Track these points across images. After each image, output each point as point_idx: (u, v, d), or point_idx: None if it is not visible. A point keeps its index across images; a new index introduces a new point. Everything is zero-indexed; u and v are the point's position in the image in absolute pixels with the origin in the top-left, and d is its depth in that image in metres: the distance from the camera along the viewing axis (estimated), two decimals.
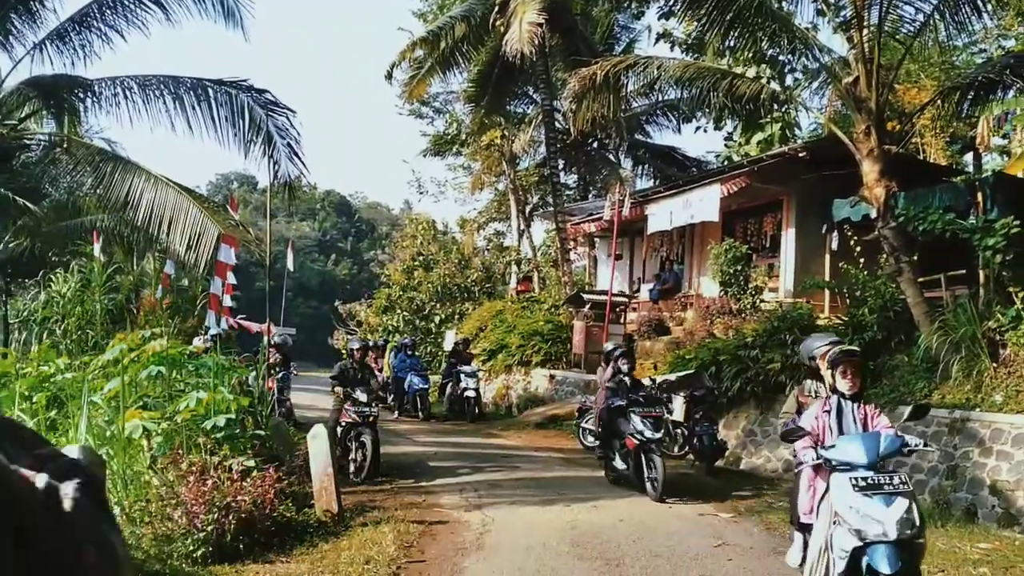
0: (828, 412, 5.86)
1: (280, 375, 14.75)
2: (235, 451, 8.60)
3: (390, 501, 9.66)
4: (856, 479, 5.18)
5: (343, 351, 24.80)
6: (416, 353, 21.49)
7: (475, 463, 12.60)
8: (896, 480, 5.25)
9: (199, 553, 6.79)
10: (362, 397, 11.55)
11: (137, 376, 9.22)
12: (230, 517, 7.05)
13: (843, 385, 5.87)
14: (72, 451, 1.05)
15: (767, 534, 8.38)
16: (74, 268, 16.43)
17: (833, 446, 5.50)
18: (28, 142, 14.28)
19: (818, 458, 5.52)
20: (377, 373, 18.35)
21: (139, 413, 8.52)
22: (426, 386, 19.87)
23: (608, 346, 12.45)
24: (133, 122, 12.06)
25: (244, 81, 12.09)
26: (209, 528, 6.89)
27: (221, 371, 10.03)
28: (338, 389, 11.90)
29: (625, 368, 11.10)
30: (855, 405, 5.91)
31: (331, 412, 12.50)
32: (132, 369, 9.24)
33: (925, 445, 6.17)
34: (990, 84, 12.44)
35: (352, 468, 11.19)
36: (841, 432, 5.74)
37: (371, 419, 11.52)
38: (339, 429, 11.51)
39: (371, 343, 21.03)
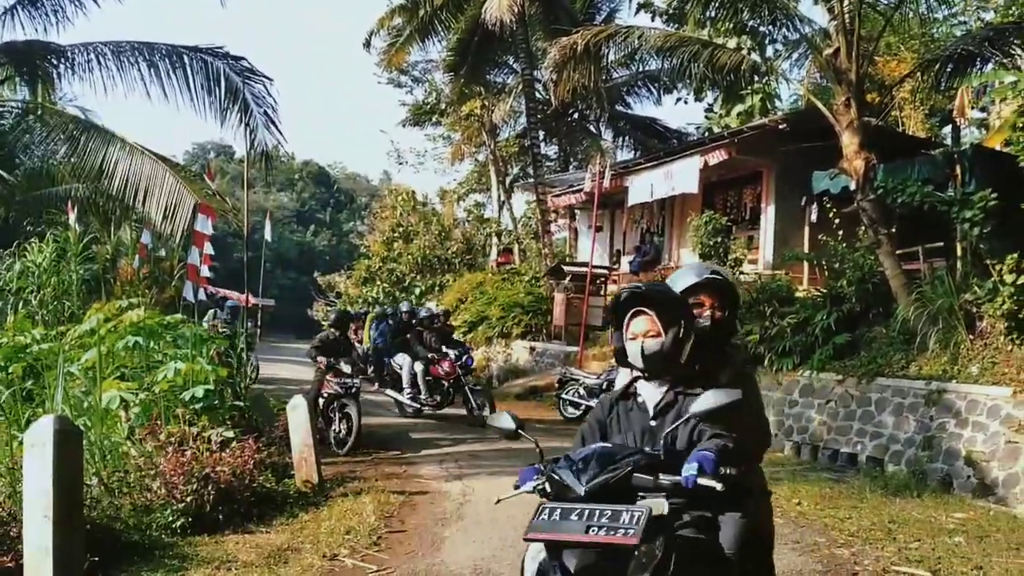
0: None
1: None
2: (214, 422, 8.57)
3: (370, 472, 9.67)
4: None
5: (323, 322, 24.70)
6: None
7: (455, 434, 12.62)
8: None
9: (178, 524, 6.77)
10: (346, 368, 11.50)
11: (114, 346, 9.15)
12: (209, 488, 7.02)
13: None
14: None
15: None
16: (49, 238, 16.22)
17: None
18: (0, 110, 14.05)
19: None
20: (356, 344, 18.28)
21: (116, 384, 8.46)
22: None
23: None
24: (108, 90, 11.82)
25: (220, 48, 11.89)
26: (188, 499, 6.87)
27: (199, 342, 9.98)
28: (321, 359, 11.80)
29: None
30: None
31: (312, 383, 12.43)
32: (109, 339, 9.17)
33: None
34: (969, 56, 12.45)
35: (334, 440, 11.16)
36: None
37: (355, 390, 11.44)
38: (321, 400, 11.45)
39: (352, 313, 20.95)
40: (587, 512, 2.91)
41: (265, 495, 7.83)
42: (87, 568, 5.20)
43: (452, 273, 29.99)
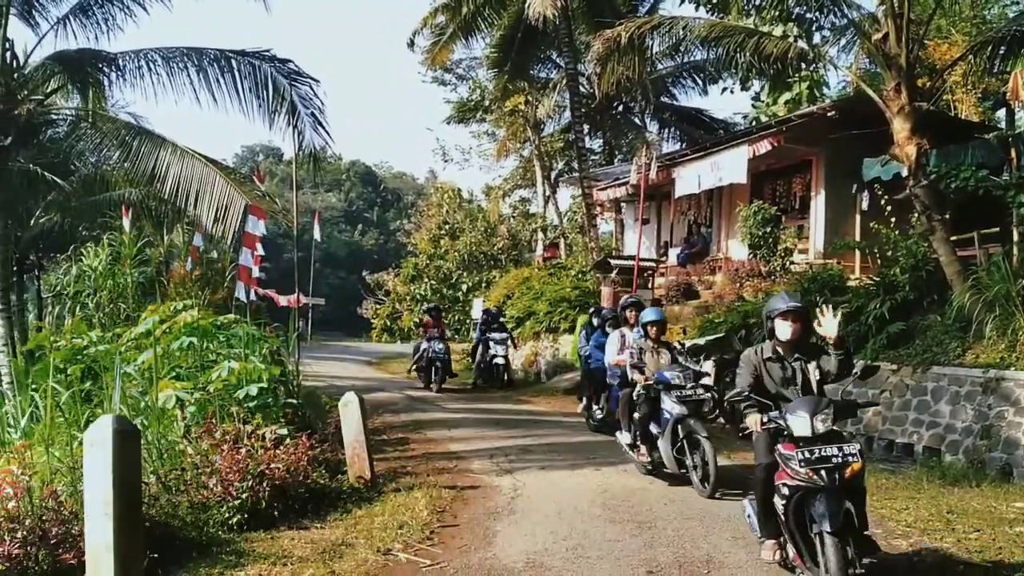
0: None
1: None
2: (268, 420, 8.68)
3: (422, 467, 9.72)
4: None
5: (372, 319, 24.73)
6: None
7: (505, 429, 12.65)
8: None
9: (234, 520, 6.87)
10: (678, 374, 8.86)
11: (169, 347, 9.32)
12: (264, 484, 7.13)
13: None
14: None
15: None
16: (104, 242, 16.59)
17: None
18: (55, 117, 14.35)
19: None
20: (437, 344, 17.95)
21: (172, 383, 8.62)
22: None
23: None
24: (157, 95, 12.04)
25: (267, 51, 12.05)
26: (244, 496, 6.97)
27: (252, 341, 10.12)
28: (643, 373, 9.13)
29: None
30: None
31: (633, 396, 9.31)
32: (164, 340, 9.35)
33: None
34: (1023, 38, 12.17)
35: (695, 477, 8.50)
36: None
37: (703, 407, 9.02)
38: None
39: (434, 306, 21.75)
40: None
41: (319, 491, 7.92)
42: (147, 565, 5.31)
43: (498, 269, 30.04)
